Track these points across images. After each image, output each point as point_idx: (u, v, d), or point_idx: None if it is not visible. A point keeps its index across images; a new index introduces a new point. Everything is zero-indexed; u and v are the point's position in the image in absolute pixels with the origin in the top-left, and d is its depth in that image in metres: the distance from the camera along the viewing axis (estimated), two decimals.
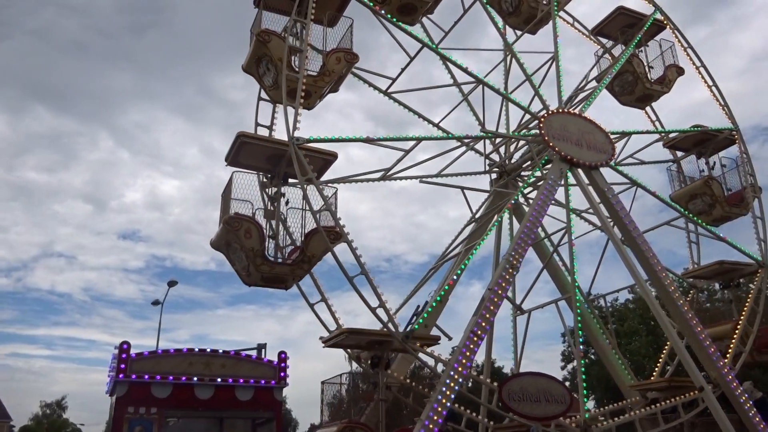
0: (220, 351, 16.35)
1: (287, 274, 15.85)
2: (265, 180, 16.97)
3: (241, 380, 16.00)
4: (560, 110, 21.93)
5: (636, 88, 25.80)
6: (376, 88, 21.63)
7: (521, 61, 22.52)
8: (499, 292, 16.82)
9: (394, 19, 19.98)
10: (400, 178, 21.01)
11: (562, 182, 20.51)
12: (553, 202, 20.36)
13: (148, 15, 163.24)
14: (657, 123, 27.75)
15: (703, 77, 27.37)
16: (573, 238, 20.59)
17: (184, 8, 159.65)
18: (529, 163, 22.77)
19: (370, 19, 20.51)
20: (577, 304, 19.75)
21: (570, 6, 26.86)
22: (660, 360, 24.77)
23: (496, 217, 21.42)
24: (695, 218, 24.86)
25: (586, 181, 20.93)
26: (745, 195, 25.44)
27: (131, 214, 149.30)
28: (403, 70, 21.05)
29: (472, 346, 15.76)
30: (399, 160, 20.14)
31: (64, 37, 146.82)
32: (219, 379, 15.77)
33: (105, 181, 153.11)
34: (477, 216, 23.16)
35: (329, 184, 16.80)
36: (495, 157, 24.02)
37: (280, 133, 18.69)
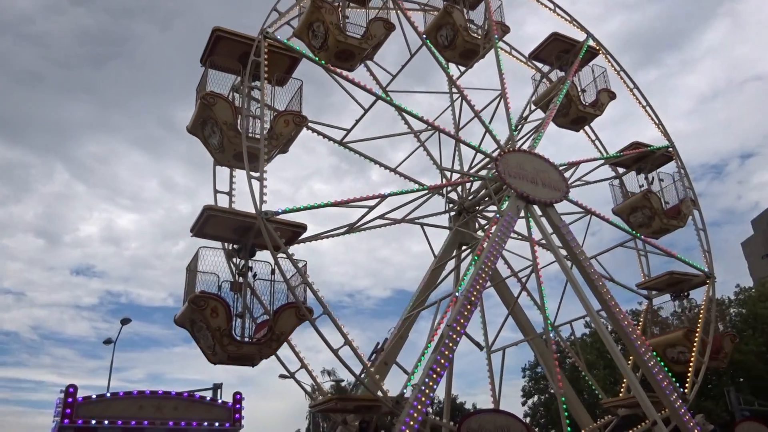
0: (173, 392, 16.08)
1: (255, 353, 15.60)
2: (231, 250, 16.85)
3: (195, 423, 15.69)
4: (516, 149, 22.64)
5: (570, 111, 26.83)
6: (331, 139, 21.72)
7: (471, 103, 23.03)
8: (458, 328, 16.94)
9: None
10: (365, 229, 21.61)
11: (520, 217, 21.02)
12: (511, 236, 20.91)
13: (109, 46, 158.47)
14: (597, 142, 28.97)
15: (636, 98, 28.68)
16: (532, 273, 21.24)
17: (148, 40, 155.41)
18: (486, 199, 23.40)
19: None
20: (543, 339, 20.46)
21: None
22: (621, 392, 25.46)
23: (454, 253, 22.04)
24: (636, 233, 26.06)
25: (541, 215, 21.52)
26: (682, 208, 26.71)
27: (86, 248, 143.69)
28: (357, 122, 21.36)
29: (431, 383, 15.82)
30: (363, 216, 20.41)
31: (20, 66, 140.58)
32: (171, 423, 15.44)
33: (59, 215, 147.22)
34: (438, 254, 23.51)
35: (299, 261, 16.59)
36: (453, 194, 24.54)
37: (240, 197, 18.71)
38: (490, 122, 23.54)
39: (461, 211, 24.10)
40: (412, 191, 21.59)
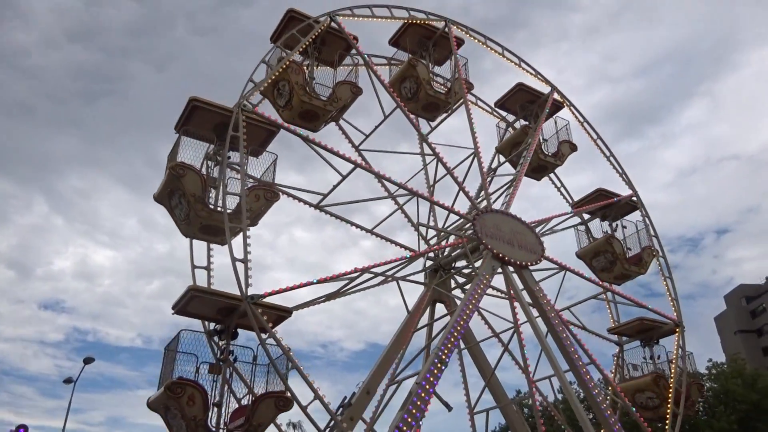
0: None
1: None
2: (213, 330, 16.61)
3: None
4: (493, 210, 22.95)
5: (531, 159, 27.23)
6: (307, 203, 21.49)
7: (446, 163, 23.38)
8: (427, 387, 16.83)
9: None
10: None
11: (496, 279, 21.36)
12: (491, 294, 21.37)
13: (102, 83, 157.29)
14: (562, 189, 29.81)
15: (600, 148, 29.39)
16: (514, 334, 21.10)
17: (142, 80, 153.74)
18: (463, 257, 23.30)
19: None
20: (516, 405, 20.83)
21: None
22: None
23: (428, 311, 22.31)
24: (609, 283, 26.68)
25: (517, 279, 21.78)
26: (644, 255, 27.44)
27: (57, 282, 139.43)
28: (334, 187, 21.31)
29: None
30: (344, 287, 20.31)
31: (12, 98, 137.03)
32: None
33: (33, 247, 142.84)
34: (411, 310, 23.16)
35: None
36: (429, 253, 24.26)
37: (219, 270, 18.52)
38: (464, 179, 23.93)
39: (437, 269, 24.11)
40: (399, 260, 21.36)
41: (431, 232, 24.98)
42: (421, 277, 24.25)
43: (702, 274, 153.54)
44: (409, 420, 16.04)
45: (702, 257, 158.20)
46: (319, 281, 18.21)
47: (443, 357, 17.61)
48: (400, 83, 25.26)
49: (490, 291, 22.68)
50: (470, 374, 24.11)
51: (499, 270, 21.57)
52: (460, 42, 26.45)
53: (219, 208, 17.29)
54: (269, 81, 20.53)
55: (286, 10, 22.56)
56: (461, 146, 25.35)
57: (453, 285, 24.04)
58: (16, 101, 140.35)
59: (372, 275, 20.88)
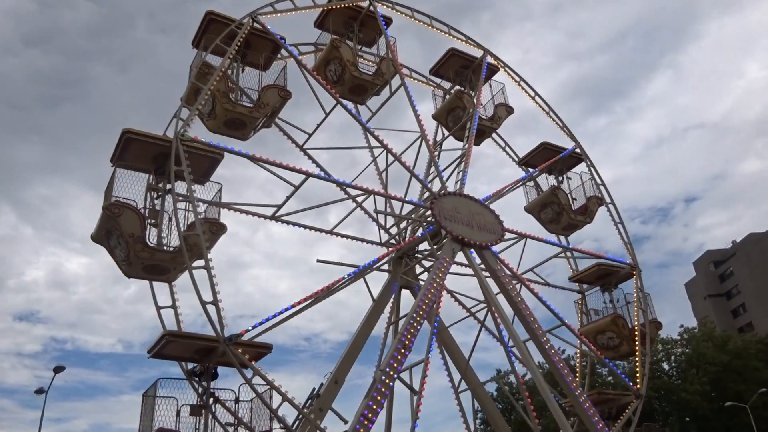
0: None
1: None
2: (192, 371, 16.59)
3: None
4: (452, 192, 22.94)
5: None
6: (262, 215, 20.82)
7: (430, 146, 24.12)
8: (391, 373, 16.78)
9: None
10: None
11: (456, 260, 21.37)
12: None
13: (63, 88, 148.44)
14: (507, 149, 30.26)
15: (539, 105, 29.49)
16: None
17: (104, 82, 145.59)
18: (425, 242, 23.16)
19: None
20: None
21: None
22: None
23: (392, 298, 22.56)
24: (566, 245, 27.57)
25: (478, 260, 21.88)
26: (589, 205, 28.08)
27: (30, 293, 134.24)
28: (287, 198, 20.68)
29: (362, 430, 15.65)
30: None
31: None
32: None
33: (3, 259, 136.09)
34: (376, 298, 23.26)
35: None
36: (392, 231, 24.41)
37: (186, 308, 18.21)
38: (414, 164, 23.93)
39: (401, 256, 23.86)
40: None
41: (393, 222, 24.75)
42: (385, 265, 24.18)
43: (673, 242, 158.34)
44: (374, 407, 16.01)
45: (673, 226, 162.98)
46: (295, 306, 18.33)
47: (406, 342, 17.52)
48: (324, 66, 24.65)
49: (457, 272, 22.98)
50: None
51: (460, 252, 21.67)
52: (388, 21, 25.81)
53: (166, 247, 16.86)
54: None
55: (205, 12, 21.58)
56: (407, 130, 25.36)
57: (420, 270, 24.00)
58: None
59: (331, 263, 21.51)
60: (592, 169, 29.18)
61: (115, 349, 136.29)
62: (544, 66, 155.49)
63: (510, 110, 28.68)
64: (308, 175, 20.14)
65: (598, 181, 28.94)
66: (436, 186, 24.12)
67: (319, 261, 22.33)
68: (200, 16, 21.61)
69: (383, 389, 16.37)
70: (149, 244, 16.58)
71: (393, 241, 24.03)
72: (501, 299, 21.68)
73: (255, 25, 21.70)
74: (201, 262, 16.26)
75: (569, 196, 28.25)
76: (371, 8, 25.41)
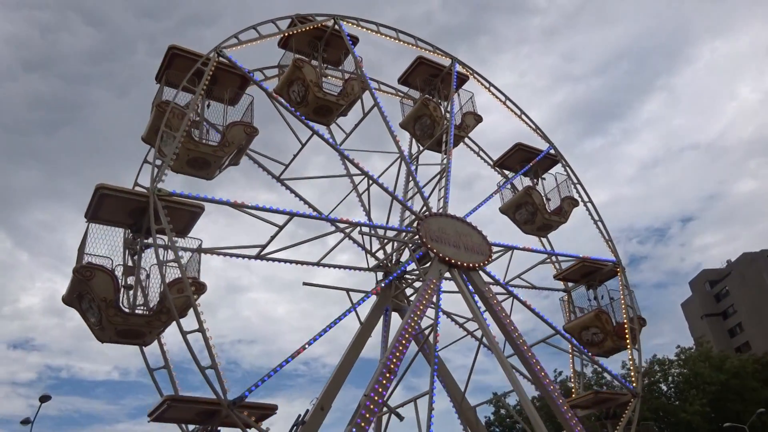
0: None
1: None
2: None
3: None
4: (439, 213, 22.76)
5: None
6: (246, 256, 20.54)
7: (409, 164, 24.36)
8: (376, 398, 16.55)
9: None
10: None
11: (441, 283, 21.16)
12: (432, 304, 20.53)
13: (62, 113, 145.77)
14: (482, 153, 30.19)
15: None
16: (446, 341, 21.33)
17: (103, 107, 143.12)
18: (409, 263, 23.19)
19: None
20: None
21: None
22: None
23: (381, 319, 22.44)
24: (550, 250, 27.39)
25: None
26: (564, 205, 28.15)
27: (25, 320, 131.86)
28: (272, 238, 20.41)
29: None
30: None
31: None
32: None
33: None
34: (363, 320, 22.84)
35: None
36: (380, 255, 24.31)
37: None
38: (430, 195, 23.98)
39: (387, 273, 23.78)
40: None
41: (380, 246, 24.71)
42: (371, 284, 24.41)
43: (671, 262, 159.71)
44: None
45: (669, 246, 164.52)
46: (293, 356, 18.26)
47: (391, 366, 17.28)
48: (288, 87, 24.01)
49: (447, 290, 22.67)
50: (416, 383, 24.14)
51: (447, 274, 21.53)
52: (354, 39, 25.38)
53: (139, 310, 16.34)
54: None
55: (168, 47, 20.86)
56: (385, 151, 25.28)
57: (410, 292, 23.89)
58: None
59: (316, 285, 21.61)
60: (567, 168, 29.24)
61: (110, 376, 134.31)
62: (539, 89, 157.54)
63: (478, 118, 28.35)
64: (292, 215, 19.76)
65: (574, 180, 29.02)
66: (417, 204, 24.01)
67: (305, 284, 22.25)
68: (200, 41, 21.26)
69: (367, 415, 16.11)
70: (123, 308, 15.99)
71: (381, 265, 23.87)
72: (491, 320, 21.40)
73: (221, 59, 21.09)
74: (193, 324, 15.83)
75: (543, 196, 28.28)
76: (336, 27, 24.97)
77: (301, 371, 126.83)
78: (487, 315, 21.34)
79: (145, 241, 17.32)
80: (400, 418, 19.29)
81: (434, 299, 20.50)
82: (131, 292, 16.62)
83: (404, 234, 23.34)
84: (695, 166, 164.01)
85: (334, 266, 22.62)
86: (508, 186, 29.06)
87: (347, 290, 23.25)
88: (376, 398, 16.41)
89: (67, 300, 16.66)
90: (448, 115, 26.98)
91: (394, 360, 17.48)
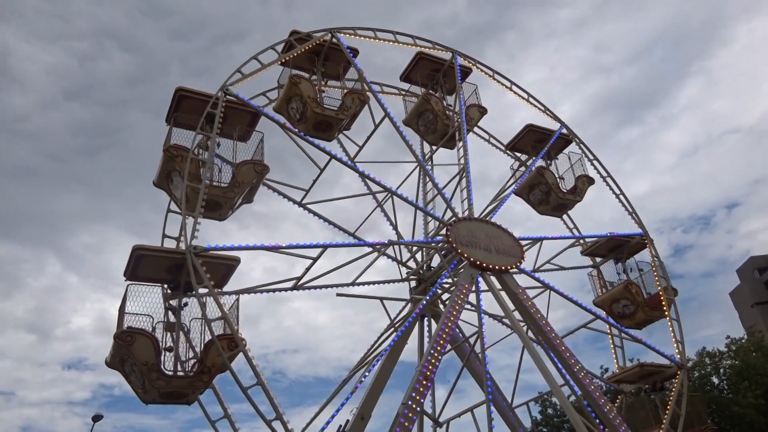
0: None
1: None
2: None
3: None
4: (467, 217, 22.67)
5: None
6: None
7: (430, 173, 24.28)
8: (414, 406, 16.60)
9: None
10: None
11: (474, 288, 21.04)
12: (466, 307, 20.87)
13: (102, 137, 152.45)
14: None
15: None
16: (488, 343, 20.60)
17: (141, 129, 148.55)
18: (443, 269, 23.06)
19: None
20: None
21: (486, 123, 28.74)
22: None
23: (416, 326, 22.49)
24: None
25: (498, 285, 21.50)
26: (578, 183, 27.87)
27: (77, 341, 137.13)
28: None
29: None
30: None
31: (14, 162, 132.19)
32: None
33: (50, 308, 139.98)
34: (396, 325, 23.36)
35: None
36: (412, 264, 24.50)
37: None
38: (452, 197, 23.96)
39: (420, 281, 24.08)
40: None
41: (410, 255, 25.00)
42: (405, 292, 24.56)
43: (718, 250, 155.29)
44: None
45: (715, 234, 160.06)
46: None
47: (428, 374, 17.39)
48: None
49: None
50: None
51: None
52: (354, 51, 25.19)
53: (179, 372, 16.39)
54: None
55: (175, 89, 20.89)
56: (403, 161, 25.76)
57: (447, 297, 23.76)
58: (18, 164, 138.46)
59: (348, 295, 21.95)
60: (581, 146, 29.10)
61: (146, 310, 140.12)
62: (571, 82, 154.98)
63: (483, 110, 27.97)
64: (325, 247, 19.89)
65: (590, 157, 28.92)
66: (439, 207, 24.11)
67: (339, 295, 22.50)
68: (231, 58, 21.65)
69: (406, 423, 16.21)
70: (165, 371, 16.05)
71: (412, 263, 24.26)
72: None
73: (228, 97, 21.03)
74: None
75: (556, 176, 28.18)
76: (334, 40, 24.80)
77: (345, 378, 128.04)
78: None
79: (185, 298, 17.49)
80: (439, 425, 19.73)
81: (476, 304, 20.75)
82: (172, 353, 16.74)
83: (435, 235, 23.62)
84: (738, 151, 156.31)
85: (369, 283, 22.85)
86: (523, 169, 28.97)
87: (381, 299, 23.87)
88: (414, 406, 16.54)
89: (111, 364, 16.73)
90: (454, 111, 26.83)
91: (430, 367, 17.58)
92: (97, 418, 33.43)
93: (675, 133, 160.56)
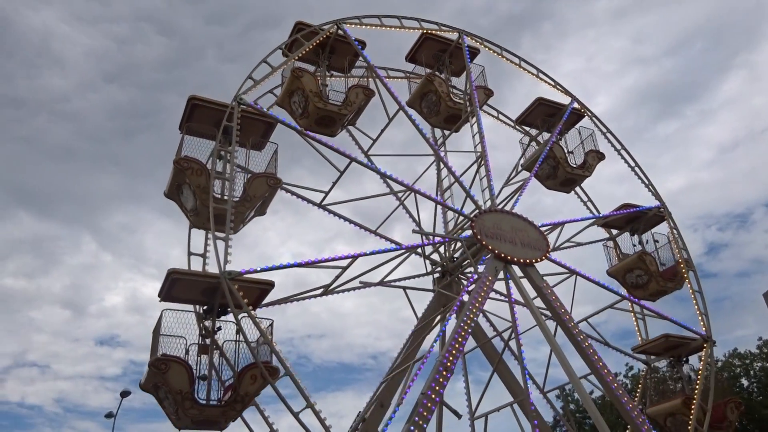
0: None
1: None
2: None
3: None
4: (492, 209, 22.46)
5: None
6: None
7: (450, 166, 23.73)
8: (433, 396, 16.49)
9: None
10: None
11: (498, 279, 21.00)
12: (491, 297, 20.94)
13: (138, 119, 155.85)
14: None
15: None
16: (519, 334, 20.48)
17: (176, 112, 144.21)
18: (468, 261, 23.20)
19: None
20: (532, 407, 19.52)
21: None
22: None
23: (438, 318, 22.44)
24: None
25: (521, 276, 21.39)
26: (588, 159, 27.46)
27: (110, 318, 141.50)
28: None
29: None
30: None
31: (54, 143, 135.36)
32: None
33: (85, 285, 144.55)
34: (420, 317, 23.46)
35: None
36: (435, 257, 24.41)
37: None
38: (471, 185, 23.64)
39: (444, 273, 24.04)
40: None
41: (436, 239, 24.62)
42: (428, 283, 24.52)
43: (754, 249, 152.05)
44: (416, 431, 15.79)
45: (753, 232, 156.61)
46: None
47: (448, 364, 17.32)
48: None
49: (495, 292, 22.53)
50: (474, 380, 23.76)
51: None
52: (362, 43, 24.59)
53: (213, 401, 16.30)
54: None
55: (188, 98, 20.31)
56: (469, 150, 25.24)
57: (461, 289, 23.43)
58: (58, 145, 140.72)
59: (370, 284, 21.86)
60: (594, 119, 28.76)
61: (180, 331, 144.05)
62: (608, 73, 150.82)
63: (489, 92, 27.23)
64: (355, 257, 20.06)
65: (603, 130, 28.63)
66: (458, 197, 24.00)
67: (362, 283, 22.43)
68: (266, 43, 21.87)
69: (425, 413, 16.20)
70: (198, 399, 15.99)
71: (435, 256, 24.21)
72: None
73: (242, 106, 20.63)
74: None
75: (566, 150, 27.81)
76: (340, 32, 24.19)
77: (369, 365, 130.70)
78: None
79: (218, 322, 17.52)
80: (458, 415, 19.86)
81: (509, 297, 20.79)
82: (205, 381, 16.64)
83: (460, 228, 23.75)
84: None
85: (396, 286, 23.11)
86: (534, 144, 28.75)
87: (404, 288, 23.90)
88: (433, 396, 16.54)
89: (145, 387, 16.76)
90: (466, 92, 26.27)
91: (451, 358, 17.51)
92: (125, 394, 34.07)
93: (714, 128, 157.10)
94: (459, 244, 23.59)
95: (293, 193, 22.39)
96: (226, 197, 18.65)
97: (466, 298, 21.14)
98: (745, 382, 44.32)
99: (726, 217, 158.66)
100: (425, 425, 16.16)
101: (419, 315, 23.64)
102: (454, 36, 27.38)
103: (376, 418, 19.99)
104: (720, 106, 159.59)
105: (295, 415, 15.75)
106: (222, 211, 18.33)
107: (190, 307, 18.22)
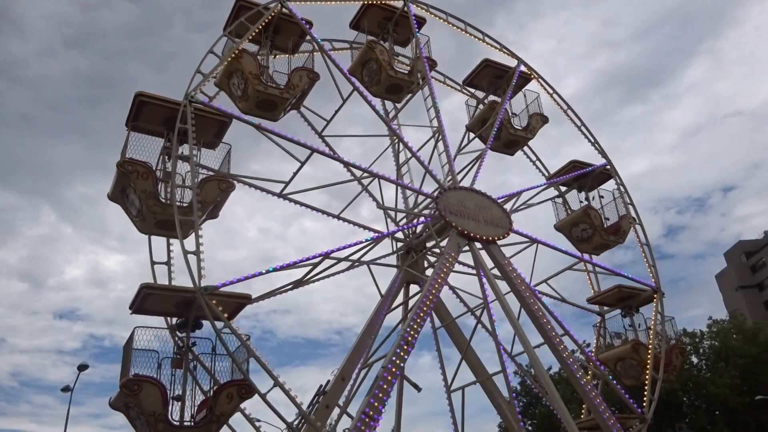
0: None
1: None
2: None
3: None
4: (456, 186, 22.67)
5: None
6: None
7: (407, 142, 23.81)
8: (394, 370, 16.91)
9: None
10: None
11: (463, 252, 21.65)
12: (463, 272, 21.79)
13: (102, 88, 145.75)
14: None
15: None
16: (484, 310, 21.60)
17: (142, 82, 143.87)
18: (431, 237, 23.39)
19: None
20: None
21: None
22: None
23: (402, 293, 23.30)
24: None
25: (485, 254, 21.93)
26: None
27: (70, 291, 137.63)
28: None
29: (364, 429, 15.77)
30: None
31: (11, 109, 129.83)
32: None
33: (44, 258, 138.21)
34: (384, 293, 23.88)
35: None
36: (399, 234, 24.54)
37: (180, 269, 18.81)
38: (429, 160, 23.74)
39: (408, 250, 24.32)
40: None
41: (399, 216, 25.15)
42: (393, 260, 24.75)
43: (710, 233, 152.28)
44: (376, 404, 16.25)
45: (709, 216, 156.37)
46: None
47: (409, 339, 17.66)
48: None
49: (460, 269, 23.10)
50: (448, 354, 24.68)
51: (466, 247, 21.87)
52: (310, 23, 23.59)
53: (186, 422, 16.01)
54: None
55: (135, 94, 19.55)
56: (425, 125, 25.33)
57: (426, 265, 24.32)
58: (16, 112, 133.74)
59: (336, 260, 21.40)
60: (540, 81, 29.00)
61: (152, 345, 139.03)
62: (578, 55, 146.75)
63: (432, 63, 26.82)
64: (325, 255, 20.07)
65: (550, 91, 28.96)
66: (418, 174, 24.12)
67: (327, 258, 21.68)
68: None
69: (385, 386, 16.62)
70: (172, 422, 15.65)
71: (400, 234, 24.30)
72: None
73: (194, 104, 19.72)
74: None
75: (510, 112, 27.90)
76: (285, 11, 23.08)
77: (334, 340, 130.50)
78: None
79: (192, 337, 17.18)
80: (418, 389, 20.65)
81: (478, 273, 21.42)
82: (179, 403, 16.24)
83: (423, 205, 23.90)
84: (739, 134, 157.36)
85: (360, 263, 22.85)
86: (480, 107, 28.84)
87: (368, 263, 23.69)
88: (393, 369, 16.86)
89: (115, 407, 16.21)
90: (416, 63, 25.89)
91: (412, 333, 17.83)
92: (82, 368, 33.69)
93: (678, 112, 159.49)
94: (422, 219, 23.77)
95: (252, 185, 21.71)
96: (180, 203, 18.02)
97: (430, 273, 21.61)
98: (694, 359, 46.81)
99: (685, 200, 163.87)
100: (386, 398, 16.62)
101: (383, 292, 23.93)
102: (399, 4, 26.62)
103: (337, 391, 20.53)
104: (685, 92, 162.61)
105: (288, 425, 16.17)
106: (169, 216, 17.70)
107: (163, 322, 18.05)
